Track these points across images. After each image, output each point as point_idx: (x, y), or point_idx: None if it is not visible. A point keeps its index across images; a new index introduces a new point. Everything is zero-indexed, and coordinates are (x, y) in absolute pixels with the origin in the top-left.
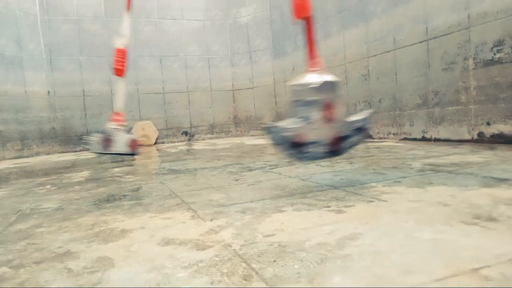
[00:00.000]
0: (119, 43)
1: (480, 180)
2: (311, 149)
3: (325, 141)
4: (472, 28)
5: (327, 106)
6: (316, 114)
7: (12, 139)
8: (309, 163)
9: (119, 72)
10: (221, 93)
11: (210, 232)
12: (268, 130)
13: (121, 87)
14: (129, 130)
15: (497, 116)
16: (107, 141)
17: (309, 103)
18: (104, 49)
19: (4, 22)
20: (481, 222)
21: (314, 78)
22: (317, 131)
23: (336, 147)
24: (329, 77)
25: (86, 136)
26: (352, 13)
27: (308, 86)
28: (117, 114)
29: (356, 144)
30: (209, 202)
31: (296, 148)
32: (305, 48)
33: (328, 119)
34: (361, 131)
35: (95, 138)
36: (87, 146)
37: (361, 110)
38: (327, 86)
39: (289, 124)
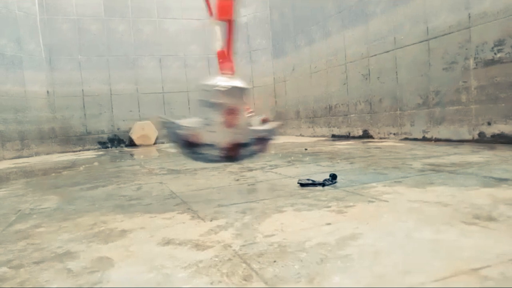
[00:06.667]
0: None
1: (481, 180)
2: (206, 151)
3: (222, 145)
4: (472, 28)
5: (231, 111)
6: (217, 117)
7: (11, 139)
8: (217, 164)
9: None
10: None
11: (210, 232)
12: (164, 125)
13: None
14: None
15: (498, 116)
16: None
17: (213, 105)
18: (103, 49)
19: (4, 22)
20: (481, 222)
21: (223, 81)
22: (215, 134)
23: (234, 153)
24: (238, 83)
25: None
26: (352, 12)
27: (215, 88)
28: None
29: (256, 153)
30: (209, 202)
31: (190, 147)
32: (226, 48)
33: (230, 124)
34: (263, 141)
35: None
36: None
37: (361, 110)
38: (233, 91)
39: (186, 123)
